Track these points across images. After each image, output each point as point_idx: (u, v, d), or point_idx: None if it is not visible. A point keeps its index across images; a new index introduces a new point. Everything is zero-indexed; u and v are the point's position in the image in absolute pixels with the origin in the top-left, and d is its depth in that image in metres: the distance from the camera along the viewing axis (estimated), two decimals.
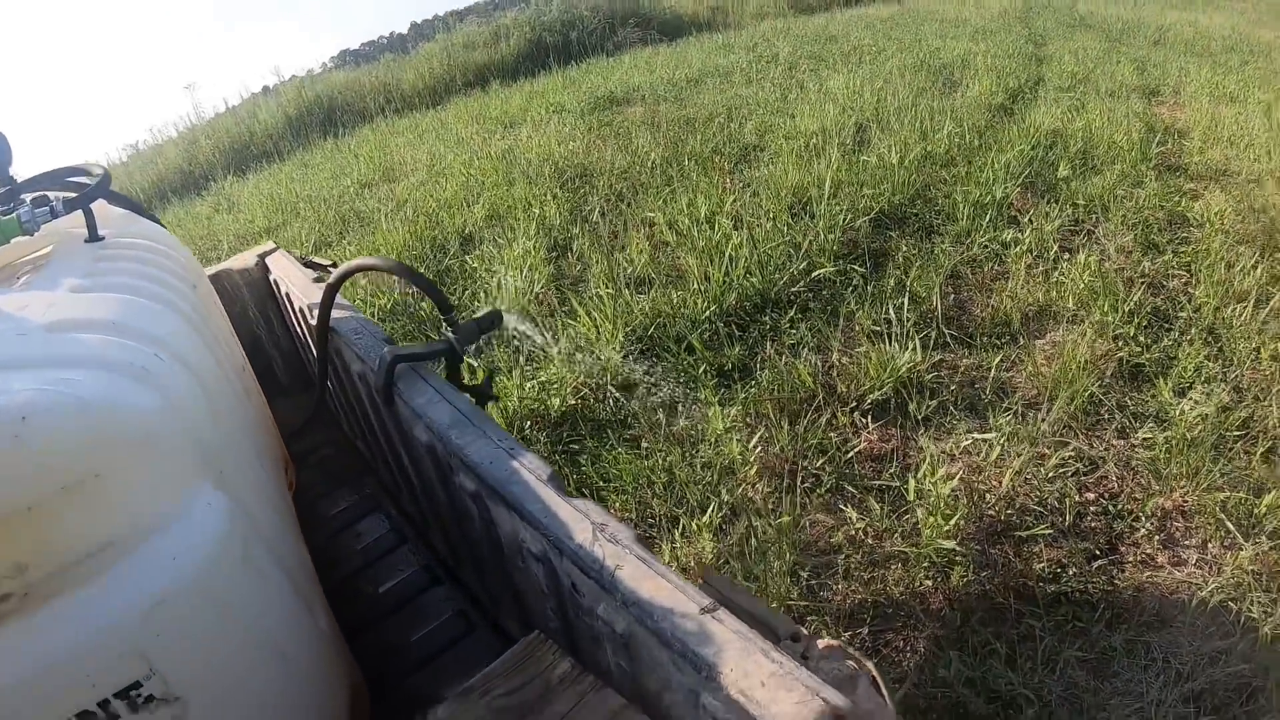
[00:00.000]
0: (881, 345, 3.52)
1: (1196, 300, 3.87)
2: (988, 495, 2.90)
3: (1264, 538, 2.63)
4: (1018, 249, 4.32)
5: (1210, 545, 2.71)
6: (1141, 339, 3.62)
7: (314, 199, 7.36)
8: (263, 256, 2.64)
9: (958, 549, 2.64)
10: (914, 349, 3.44)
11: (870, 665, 0.95)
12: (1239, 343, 3.52)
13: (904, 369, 3.34)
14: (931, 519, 2.67)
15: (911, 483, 2.86)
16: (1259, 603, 2.47)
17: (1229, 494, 2.78)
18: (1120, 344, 3.58)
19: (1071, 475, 2.99)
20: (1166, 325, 3.75)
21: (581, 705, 1.01)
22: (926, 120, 6.42)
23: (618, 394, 3.48)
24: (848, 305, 3.96)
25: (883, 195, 4.93)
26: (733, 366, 3.64)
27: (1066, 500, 2.87)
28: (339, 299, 2.01)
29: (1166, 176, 5.48)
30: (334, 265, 2.61)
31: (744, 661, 0.87)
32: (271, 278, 2.61)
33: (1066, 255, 4.30)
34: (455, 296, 4.53)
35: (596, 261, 4.56)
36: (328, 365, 2.15)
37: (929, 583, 2.65)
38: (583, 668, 1.09)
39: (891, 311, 3.76)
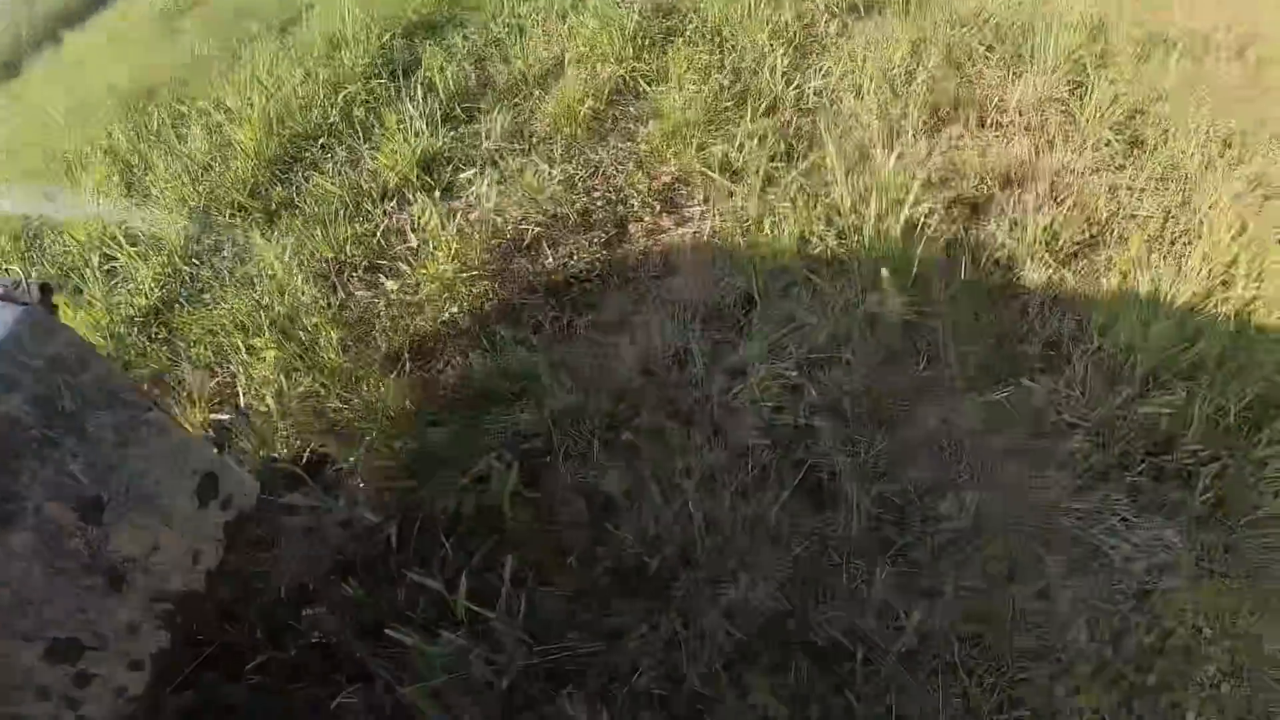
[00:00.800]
0: (404, 136, 3.55)
1: (702, 11, 4.16)
2: (504, 226, 3.05)
3: (751, 179, 2.99)
4: (534, 15, 4.40)
5: (706, 199, 3.04)
6: (646, 57, 3.86)
7: None
8: None
9: (461, 273, 2.77)
10: (431, 132, 3.68)
11: None
12: (740, 38, 3.85)
13: (420, 151, 3.54)
14: (435, 263, 2.91)
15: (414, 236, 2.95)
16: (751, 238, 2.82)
17: (721, 150, 3.11)
18: (625, 65, 3.79)
19: (578, 181, 3.21)
20: (673, 40, 4.01)
21: None
22: None
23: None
24: (379, 114, 3.88)
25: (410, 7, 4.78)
26: (278, 206, 3.63)
27: (575, 204, 3.08)
28: None
29: None
30: None
31: None
32: None
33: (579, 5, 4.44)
34: None
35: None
36: None
37: (455, 309, 2.77)
38: None
39: (410, 105, 3.71)
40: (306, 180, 3.80)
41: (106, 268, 3.79)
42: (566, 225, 3.14)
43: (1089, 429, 2.19)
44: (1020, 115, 3.16)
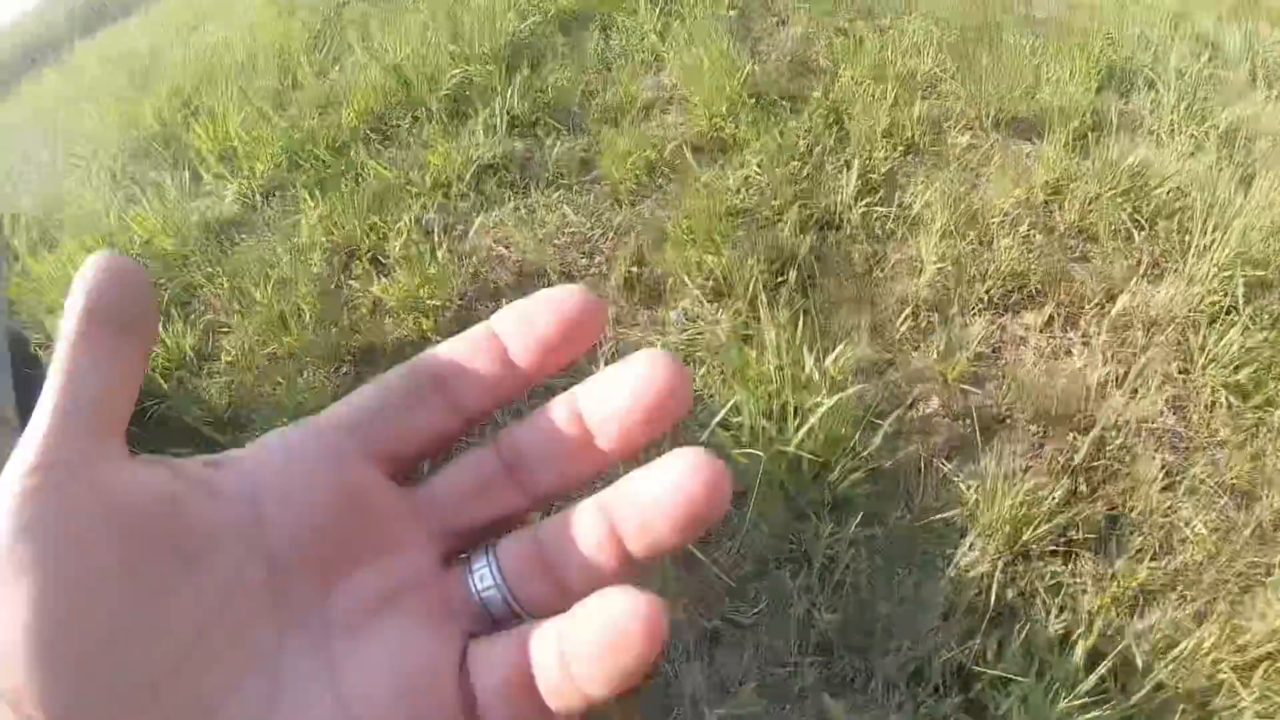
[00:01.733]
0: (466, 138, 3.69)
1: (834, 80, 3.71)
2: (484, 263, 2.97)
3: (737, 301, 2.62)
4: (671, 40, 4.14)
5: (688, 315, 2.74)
6: (740, 116, 3.51)
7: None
8: None
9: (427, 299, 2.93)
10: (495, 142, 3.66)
11: None
12: (853, 124, 3.45)
13: (473, 158, 3.55)
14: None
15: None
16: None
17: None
18: (712, 120, 3.49)
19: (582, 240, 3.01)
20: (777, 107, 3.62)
21: None
22: None
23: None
24: (473, 105, 3.88)
25: None
26: (345, 169, 3.83)
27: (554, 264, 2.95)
28: None
29: None
30: None
31: None
32: None
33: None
34: None
35: None
36: None
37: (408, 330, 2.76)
38: None
39: (496, 102, 3.67)
40: (378, 149, 3.87)
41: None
42: (537, 283, 2.92)
43: None
44: (1114, 333, 2.45)
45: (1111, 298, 2.62)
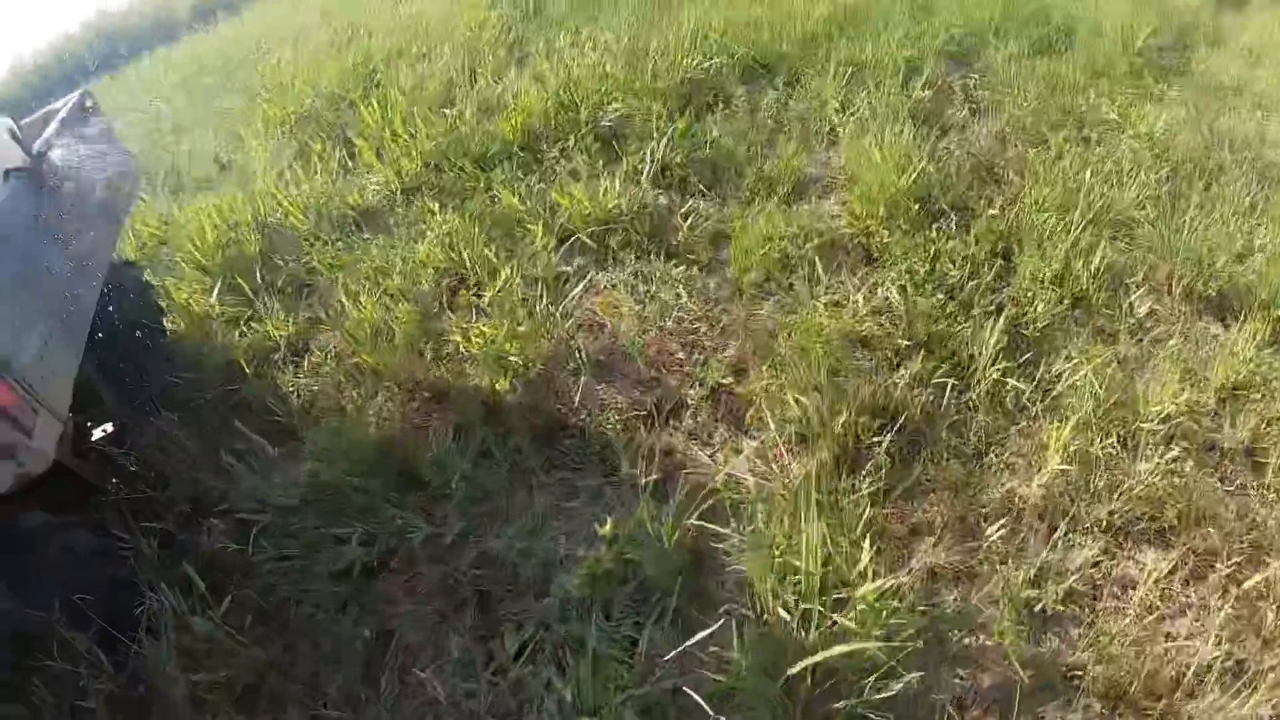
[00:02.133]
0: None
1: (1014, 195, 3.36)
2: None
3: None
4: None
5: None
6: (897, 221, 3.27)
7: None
8: None
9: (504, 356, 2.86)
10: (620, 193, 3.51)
11: None
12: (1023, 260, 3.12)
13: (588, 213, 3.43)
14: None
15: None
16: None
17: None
18: (859, 223, 3.28)
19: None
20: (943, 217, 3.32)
21: None
22: None
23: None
24: (626, 144, 3.92)
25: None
26: (485, 187, 3.87)
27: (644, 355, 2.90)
28: None
29: None
30: None
31: None
32: None
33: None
34: None
35: None
36: None
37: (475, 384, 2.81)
38: None
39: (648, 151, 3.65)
40: (519, 174, 3.84)
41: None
42: (626, 376, 2.80)
43: None
44: (1242, 608, 2.09)
45: (1255, 561, 2.21)
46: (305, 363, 3.15)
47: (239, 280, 3.52)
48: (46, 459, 1.87)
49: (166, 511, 2.63)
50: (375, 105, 4.60)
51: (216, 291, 3.47)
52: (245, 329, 3.37)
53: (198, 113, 6.08)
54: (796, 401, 2.47)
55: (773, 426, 2.44)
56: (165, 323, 3.49)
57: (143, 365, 3.23)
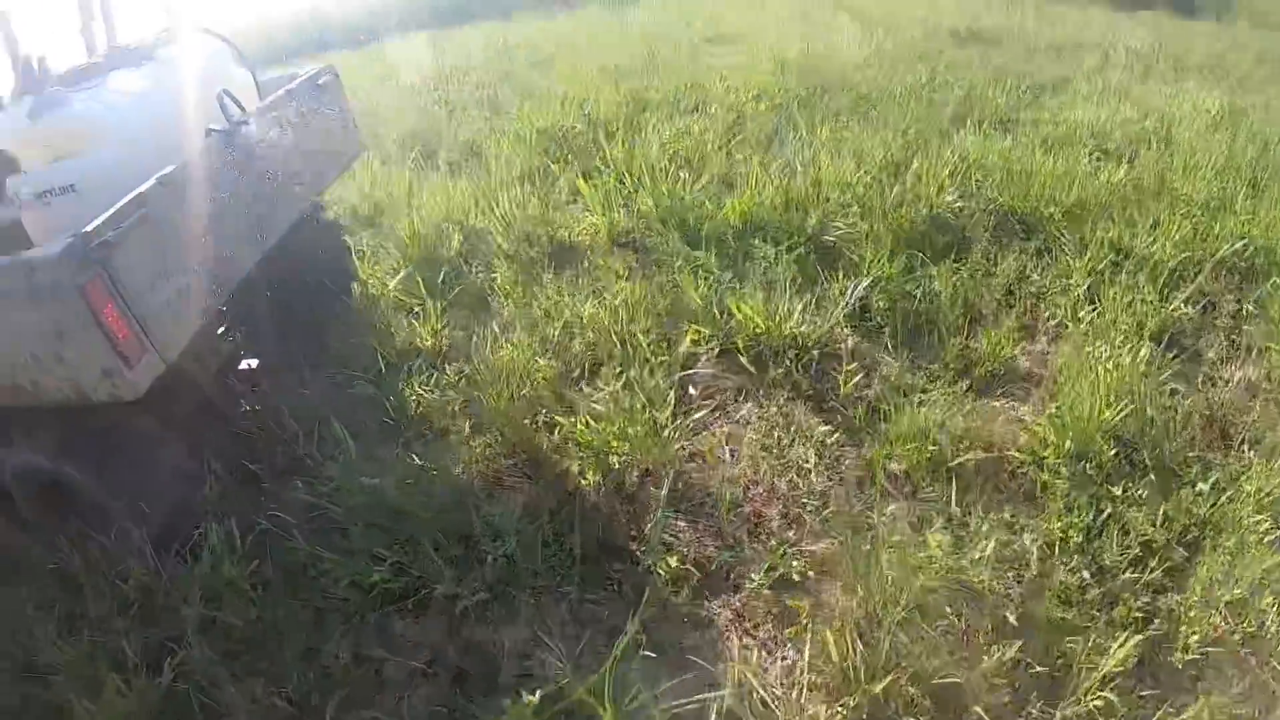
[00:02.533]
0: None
1: None
2: None
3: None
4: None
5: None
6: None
7: None
8: None
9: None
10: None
11: None
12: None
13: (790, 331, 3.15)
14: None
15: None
16: None
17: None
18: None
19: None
20: None
21: None
22: None
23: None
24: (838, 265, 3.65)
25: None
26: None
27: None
28: None
29: None
30: None
31: None
32: None
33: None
34: None
35: None
36: None
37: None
38: None
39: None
40: (731, 260, 3.66)
41: None
42: (710, 521, 2.51)
43: None
44: None
45: None
46: (439, 375, 3.23)
47: (419, 277, 3.73)
48: (138, 391, 2.06)
49: (266, 457, 2.85)
50: (621, 145, 4.67)
51: (399, 278, 3.70)
52: (408, 322, 3.56)
53: (466, 98, 6.64)
54: (852, 637, 2.05)
55: (806, 656, 2.05)
56: (353, 286, 3.79)
57: (315, 317, 3.53)
